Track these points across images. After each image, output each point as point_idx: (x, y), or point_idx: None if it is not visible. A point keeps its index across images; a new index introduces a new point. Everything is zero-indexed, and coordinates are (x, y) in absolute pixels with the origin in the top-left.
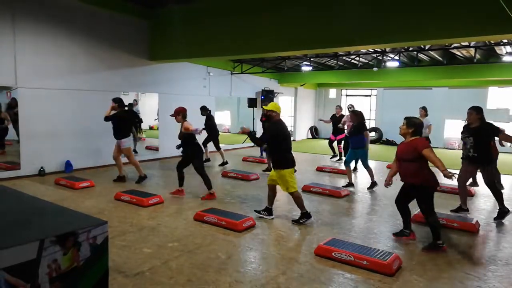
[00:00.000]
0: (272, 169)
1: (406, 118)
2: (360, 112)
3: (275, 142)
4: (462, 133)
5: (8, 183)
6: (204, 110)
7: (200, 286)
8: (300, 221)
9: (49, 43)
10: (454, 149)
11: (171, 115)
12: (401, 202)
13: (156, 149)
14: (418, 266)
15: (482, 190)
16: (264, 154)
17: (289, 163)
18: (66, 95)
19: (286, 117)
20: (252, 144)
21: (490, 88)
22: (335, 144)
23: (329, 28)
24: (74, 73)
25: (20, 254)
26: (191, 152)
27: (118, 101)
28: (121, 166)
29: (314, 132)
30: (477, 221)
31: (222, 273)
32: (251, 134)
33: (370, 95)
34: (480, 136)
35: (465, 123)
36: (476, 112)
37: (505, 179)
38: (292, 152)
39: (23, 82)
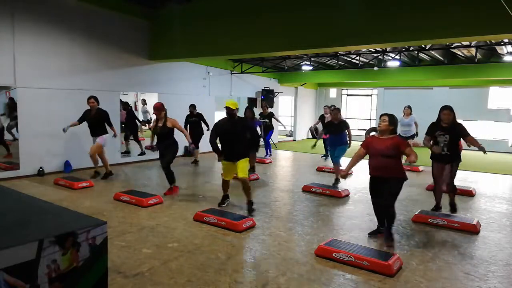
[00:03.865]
0: (237, 161)
1: (387, 115)
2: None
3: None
4: (434, 131)
5: (7, 183)
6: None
7: (200, 286)
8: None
9: (49, 43)
10: None
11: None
12: (379, 198)
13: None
14: (419, 267)
15: (482, 190)
16: (267, 153)
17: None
18: (65, 95)
19: (286, 117)
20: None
21: (491, 88)
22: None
23: (329, 28)
24: (74, 72)
25: (19, 255)
26: (168, 147)
27: None
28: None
29: (315, 132)
30: (477, 222)
31: (222, 273)
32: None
33: (370, 95)
34: (455, 135)
35: (435, 122)
36: (453, 112)
37: (505, 179)
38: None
39: (22, 82)
